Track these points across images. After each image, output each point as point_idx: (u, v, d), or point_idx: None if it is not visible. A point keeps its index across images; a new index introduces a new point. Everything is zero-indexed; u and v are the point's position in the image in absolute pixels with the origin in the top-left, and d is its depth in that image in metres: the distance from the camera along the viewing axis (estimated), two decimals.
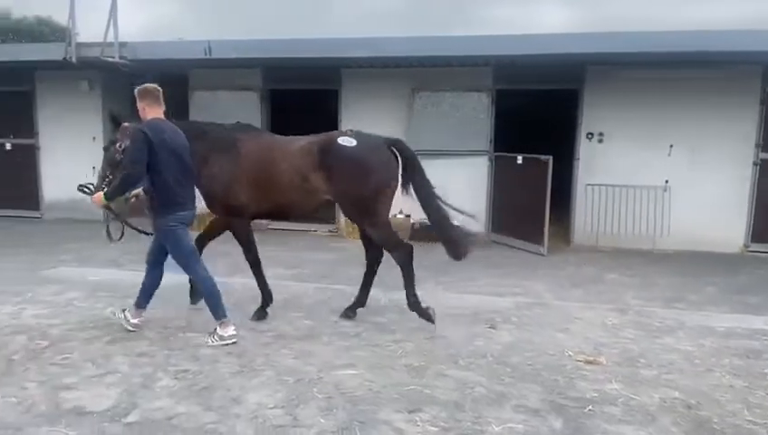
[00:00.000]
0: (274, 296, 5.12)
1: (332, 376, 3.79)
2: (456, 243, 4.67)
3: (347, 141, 4.51)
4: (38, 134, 10.61)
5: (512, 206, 8.91)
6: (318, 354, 4.18)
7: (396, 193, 4.59)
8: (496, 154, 9.31)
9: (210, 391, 3.53)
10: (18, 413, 3.17)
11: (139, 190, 4.36)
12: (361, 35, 8.81)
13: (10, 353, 4.04)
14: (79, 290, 5.78)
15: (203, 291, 4.35)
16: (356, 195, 4.49)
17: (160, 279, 4.52)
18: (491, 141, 9.32)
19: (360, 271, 7.12)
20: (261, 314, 4.92)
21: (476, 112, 9.25)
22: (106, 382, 3.61)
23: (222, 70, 9.68)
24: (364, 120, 9.64)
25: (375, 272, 5.01)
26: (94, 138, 10.37)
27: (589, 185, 8.97)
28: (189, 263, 4.28)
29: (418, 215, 9.32)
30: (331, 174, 4.46)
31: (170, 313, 5.07)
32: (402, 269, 4.63)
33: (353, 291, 6.03)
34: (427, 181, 4.69)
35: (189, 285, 5.14)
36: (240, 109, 9.75)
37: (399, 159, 4.61)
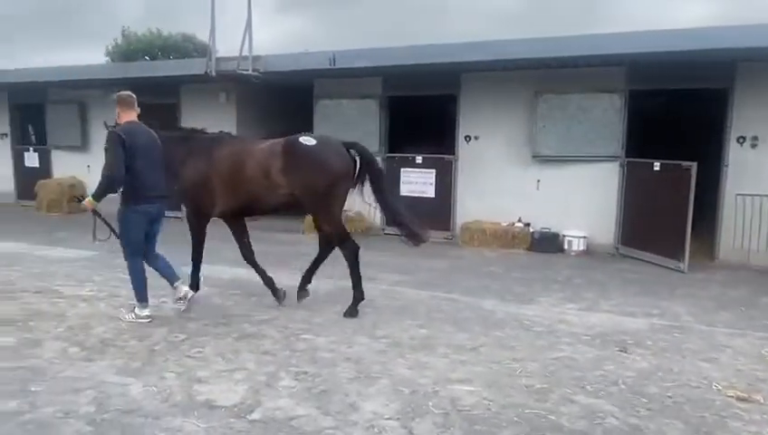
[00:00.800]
0: (390, 302, 5.15)
1: (448, 390, 3.66)
2: (413, 234, 5.10)
3: (307, 140, 4.97)
4: None
5: (646, 216, 8.17)
6: (433, 366, 4.08)
7: (349, 190, 5.03)
8: (629, 160, 8.61)
9: (328, 395, 3.57)
10: (157, 402, 3.43)
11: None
12: (481, 39, 8.60)
13: (152, 344, 4.42)
14: (213, 287, 6.21)
15: (130, 276, 4.87)
16: (311, 188, 4.88)
17: (167, 263, 5.02)
18: (623, 146, 8.64)
19: (476, 281, 6.95)
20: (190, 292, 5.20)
21: (607, 115, 8.62)
22: (234, 378, 3.80)
23: (344, 79, 9.98)
24: (483, 126, 9.42)
25: (322, 261, 5.46)
26: None
27: (739, 195, 7.97)
28: (130, 249, 4.80)
29: (539, 224, 8.97)
30: (291, 169, 4.86)
31: (292, 314, 5.26)
32: (349, 264, 5.15)
33: (469, 301, 5.89)
34: (385, 181, 5.12)
35: (271, 289, 5.55)
36: (360, 116, 9.99)
37: (357, 160, 5.03)
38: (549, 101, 8.86)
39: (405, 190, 9.92)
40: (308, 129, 10.49)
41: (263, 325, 4.91)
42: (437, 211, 9.73)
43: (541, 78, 8.92)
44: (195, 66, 10.30)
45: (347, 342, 4.56)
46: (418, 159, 9.83)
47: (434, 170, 9.72)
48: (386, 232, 10.08)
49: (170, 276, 5.03)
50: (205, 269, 6.96)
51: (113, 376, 3.79)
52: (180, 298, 5.03)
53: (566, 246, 8.80)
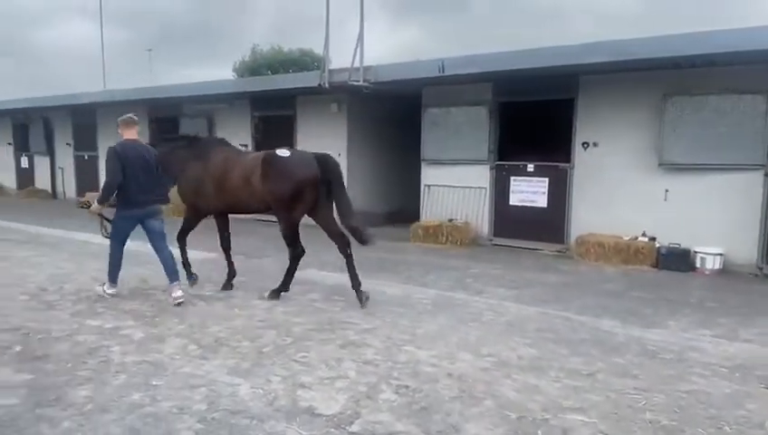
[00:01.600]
0: (496, 318, 4.93)
1: (560, 419, 3.37)
2: (362, 240, 5.74)
3: (282, 153, 5.76)
4: None
5: None
6: (544, 391, 3.79)
7: (313, 195, 5.71)
8: None
9: (429, 412, 3.44)
10: (262, 405, 3.51)
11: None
12: (600, 39, 8.03)
13: (261, 346, 4.57)
14: (320, 292, 6.35)
15: (109, 258, 5.89)
16: (278, 193, 5.66)
17: (171, 255, 5.88)
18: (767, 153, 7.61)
19: (592, 299, 6.44)
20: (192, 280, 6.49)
21: (748, 119, 7.65)
22: (336, 386, 3.79)
23: (453, 86, 9.84)
24: (603, 131, 8.80)
25: (349, 262, 5.86)
26: (339, 154, 11.52)
27: None
28: (114, 242, 5.84)
29: (666, 239, 8.15)
30: (267, 177, 5.69)
31: (395, 324, 5.20)
32: (290, 263, 5.99)
33: (585, 321, 5.46)
34: (344, 190, 5.79)
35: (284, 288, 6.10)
36: (469, 124, 9.79)
37: (324, 171, 5.69)
38: (679, 104, 8.05)
39: (514, 200, 9.53)
40: (416, 137, 10.48)
41: (366, 334, 4.89)
42: (549, 222, 9.23)
43: (669, 79, 8.14)
44: (309, 79, 10.72)
45: (450, 357, 4.40)
46: (530, 168, 9.40)
47: (546, 179, 9.25)
48: (494, 242, 9.76)
49: (170, 274, 5.83)
50: (308, 274, 7.20)
51: (225, 376, 3.95)
52: (176, 297, 5.75)
53: (698, 264, 7.92)
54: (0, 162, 20.13)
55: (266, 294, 6.03)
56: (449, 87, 9.90)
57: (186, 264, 6.53)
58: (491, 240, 9.82)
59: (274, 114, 12.50)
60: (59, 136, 17.79)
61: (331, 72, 9.95)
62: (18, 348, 4.44)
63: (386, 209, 12.64)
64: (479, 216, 9.88)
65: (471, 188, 9.95)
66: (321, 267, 7.73)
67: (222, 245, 6.52)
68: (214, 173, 6.06)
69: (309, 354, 4.38)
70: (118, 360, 4.22)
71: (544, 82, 8.99)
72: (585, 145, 8.94)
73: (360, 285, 5.82)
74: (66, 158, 17.62)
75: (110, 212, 5.88)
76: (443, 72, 8.70)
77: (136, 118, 5.92)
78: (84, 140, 16.98)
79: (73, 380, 3.85)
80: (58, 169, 17.87)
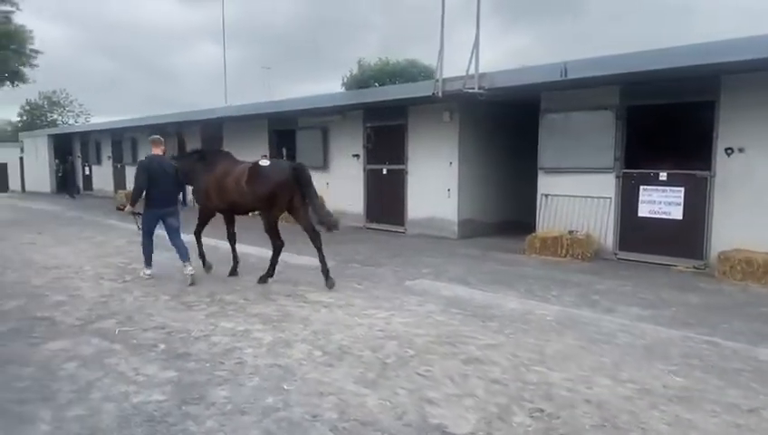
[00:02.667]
0: (632, 341, 4.53)
1: None
2: (329, 223, 6.86)
3: (264, 163, 7.16)
4: (407, 160, 12.27)
5: None
6: (700, 427, 3.38)
7: (287, 196, 6.95)
8: None
9: None
10: (391, 419, 3.46)
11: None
12: (744, 35, 7.18)
13: (384, 357, 4.54)
14: (436, 303, 6.24)
15: (142, 247, 7.54)
16: (260, 195, 6.92)
17: (183, 244, 7.33)
18: None
19: (744, 323, 5.80)
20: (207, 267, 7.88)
21: None
22: (464, 404, 3.65)
23: (575, 90, 9.34)
24: (752, 136, 7.89)
25: (320, 253, 7.03)
26: (451, 163, 11.40)
27: None
28: (144, 234, 7.42)
29: None
30: (250, 181, 6.98)
31: (519, 341, 4.96)
32: (273, 253, 7.24)
33: (737, 348, 4.86)
34: (314, 192, 6.98)
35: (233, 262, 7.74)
36: (592, 129, 9.23)
37: (297, 177, 6.91)
38: None
39: (644, 211, 8.81)
40: (530, 144, 10.08)
41: (489, 350, 4.71)
42: (685, 236, 8.41)
43: None
44: (423, 88, 10.71)
45: (586, 381, 4.08)
46: (662, 176, 8.64)
47: (682, 188, 8.44)
48: (619, 257, 9.09)
49: (182, 257, 7.29)
50: (422, 284, 7.13)
51: (352, 385, 3.97)
52: (187, 273, 7.17)
53: None
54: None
55: (258, 280, 7.27)
56: (571, 91, 9.42)
57: (201, 255, 7.87)
58: (616, 254, 9.16)
59: (386, 124, 12.66)
60: (189, 146, 19.39)
61: (444, 80, 9.87)
62: (163, 346, 4.79)
63: (498, 219, 12.29)
64: (602, 228, 9.26)
65: (593, 197, 9.36)
66: (436, 278, 7.63)
67: (228, 238, 7.86)
68: (216, 179, 7.42)
69: (432, 369, 4.28)
70: (251, 362, 4.40)
71: (679, 83, 8.24)
72: (729, 151, 8.05)
73: (328, 271, 7.01)
74: None
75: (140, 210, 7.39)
76: (565, 75, 8.27)
77: (161, 138, 7.63)
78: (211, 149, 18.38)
79: (213, 379, 4.06)
80: None
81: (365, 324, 5.42)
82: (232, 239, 7.85)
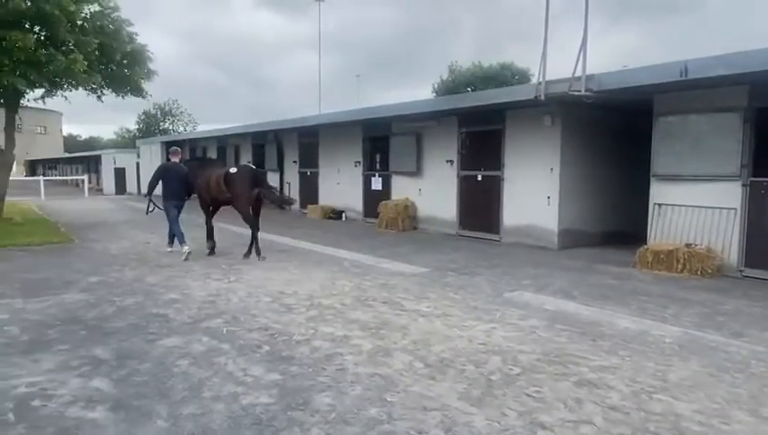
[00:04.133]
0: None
1: None
2: (282, 202, 10.22)
3: (233, 170, 9.54)
4: (504, 166, 11.89)
5: None
6: None
7: (250, 192, 9.32)
8: None
9: None
10: None
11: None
12: None
13: (488, 373, 4.33)
14: (539, 318, 5.92)
15: (173, 230, 9.96)
16: (232, 194, 9.37)
17: (180, 230, 9.76)
18: None
19: None
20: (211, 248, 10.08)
21: None
22: (582, 433, 3.37)
23: (695, 91, 8.57)
24: None
25: (256, 237, 9.54)
26: (552, 169, 10.88)
27: None
28: (171, 222, 9.88)
29: None
30: (226, 183, 9.42)
31: (639, 364, 4.54)
32: (251, 236, 9.55)
33: None
34: (269, 187, 9.87)
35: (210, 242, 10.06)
36: (714, 133, 8.42)
37: (254, 176, 9.44)
38: None
39: None
40: (639, 150, 9.38)
41: (604, 373, 4.35)
42: None
43: None
44: (524, 92, 10.33)
45: (720, 414, 3.64)
46: None
47: None
48: (745, 274, 8.20)
49: (180, 239, 9.67)
50: (524, 297, 6.79)
51: (456, 401, 3.80)
52: (184, 252, 9.40)
53: None
54: None
55: (242, 257, 9.52)
56: (689, 92, 8.65)
57: (209, 236, 10.07)
58: (741, 271, 8.27)
59: (482, 130, 12.35)
60: (287, 154, 20.15)
61: (547, 83, 9.44)
62: (267, 348, 4.89)
63: (603, 229, 11.57)
64: (725, 241, 8.40)
65: (715, 208, 8.51)
66: (538, 290, 7.26)
67: (209, 224, 10.15)
68: (207, 180, 9.81)
69: (542, 390, 4.01)
70: (352, 370, 4.36)
71: None
72: None
73: (260, 252, 9.52)
74: (292, 174, 19.84)
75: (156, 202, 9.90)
76: (686, 75, 7.59)
77: (178, 149, 10.53)
78: (307, 157, 18.94)
79: (316, 385, 4.06)
80: (286, 183, 20.19)
81: (465, 337, 5.23)
82: (211, 226, 10.18)
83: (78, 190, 33.71)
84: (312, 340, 5.11)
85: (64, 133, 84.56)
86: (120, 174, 32.19)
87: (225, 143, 24.26)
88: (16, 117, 14.15)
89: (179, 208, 10.03)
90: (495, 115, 11.85)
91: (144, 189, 12.08)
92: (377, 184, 15.71)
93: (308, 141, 18.78)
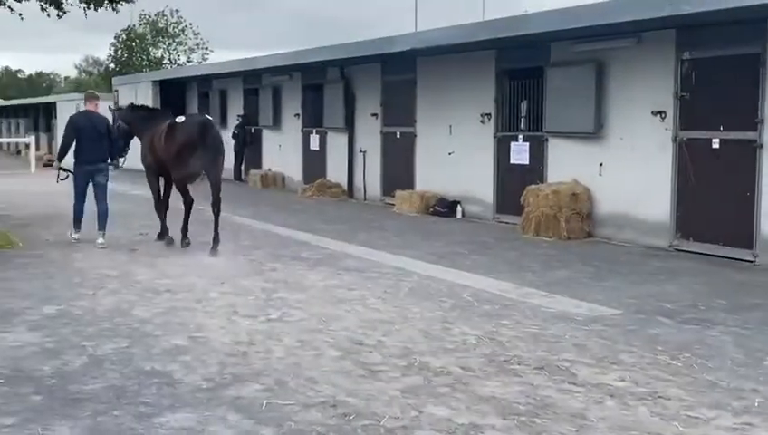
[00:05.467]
0: None
1: None
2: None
3: (179, 119, 12.37)
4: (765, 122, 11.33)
5: None
6: None
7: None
8: None
9: None
10: None
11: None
12: None
13: None
14: None
15: (73, 209, 12.58)
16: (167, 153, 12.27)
17: (107, 211, 12.31)
18: None
19: None
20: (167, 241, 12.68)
21: None
22: None
23: None
24: None
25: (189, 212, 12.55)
26: None
27: None
28: (76, 194, 12.35)
29: None
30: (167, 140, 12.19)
31: None
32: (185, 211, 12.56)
33: None
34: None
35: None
36: None
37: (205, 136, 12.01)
38: None
39: None
40: None
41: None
42: None
43: None
44: None
45: None
46: None
47: None
48: None
49: (99, 224, 12.04)
50: None
51: None
52: (98, 245, 11.95)
53: None
54: (285, 142, 24.27)
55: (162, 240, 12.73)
56: None
57: (162, 220, 12.92)
58: None
59: (727, 55, 11.72)
60: (362, 102, 20.36)
61: None
62: None
63: None
64: None
65: None
66: None
67: (158, 202, 13.08)
68: (151, 138, 12.53)
69: None
70: None
71: None
72: None
73: (186, 232, 12.27)
74: (370, 136, 20.06)
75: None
76: None
77: (95, 93, 13.85)
78: (396, 107, 19.04)
79: None
80: (358, 152, 20.42)
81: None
82: (164, 208, 12.95)
83: (20, 161, 36.17)
84: (412, 429, 5.03)
85: None
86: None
87: (258, 84, 25.01)
88: None
89: (97, 175, 12.26)
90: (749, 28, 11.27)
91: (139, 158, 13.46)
92: (520, 154, 15.60)
93: (397, 80, 18.96)
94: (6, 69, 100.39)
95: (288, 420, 5.15)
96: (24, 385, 5.77)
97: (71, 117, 12.41)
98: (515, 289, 9.40)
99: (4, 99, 65.51)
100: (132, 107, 13.83)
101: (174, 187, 12.57)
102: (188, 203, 12.43)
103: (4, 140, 46.06)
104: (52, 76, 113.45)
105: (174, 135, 11.80)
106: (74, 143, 12.19)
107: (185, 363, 6.36)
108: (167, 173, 12.50)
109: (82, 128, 12.16)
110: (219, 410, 5.31)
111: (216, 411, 5.29)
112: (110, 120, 13.15)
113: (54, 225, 14.59)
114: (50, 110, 40.19)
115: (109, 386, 5.77)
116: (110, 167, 12.64)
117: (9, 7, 14.53)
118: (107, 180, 12.34)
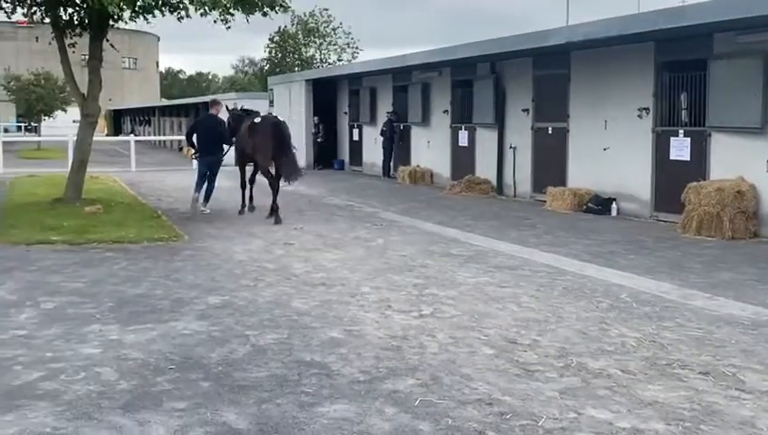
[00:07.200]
0: None
1: None
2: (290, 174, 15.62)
3: (257, 120, 15.94)
4: None
5: None
6: None
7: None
8: None
9: None
10: None
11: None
12: None
13: None
14: None
15: (196, 186, 16.56)
16: (252, 147, 16.11)
17: (213, 189, 16.64)
18: None
19: None
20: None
21: None
22: None
23: None
24: None
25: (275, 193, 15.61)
26: None
27: None
28: (198, 177, 16.57)
29: None
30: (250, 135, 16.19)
31: None
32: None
33: None
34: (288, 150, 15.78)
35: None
36: None
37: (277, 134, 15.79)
38: None
39: None
40: None
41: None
42: None
43: None
44: None
45: None
46: None
47: None
48: None
49: (205, 197, 16.22)
50: None
51: None
52: (204, 210, 16.15)
53: None
54: (434, 138, 24.49)
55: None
56: None
57: (243, 197, 16.73)
58: None
59: None
60: (513, 98, 20.29)
61: None
62: None
63: None
64: None
65: None
66: None
67: (244, 184, 16.70)
68: (240, 133, 15.97)
69: None
70: None
71: None
72: None
73: (273, 207, 15.47)
74: (521, 132, 19.98)
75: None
76: None
77: (217, 100, 18.77)
78: (549, 101, 18.89)
79: None
80: (508, 148, 20.36)
81: None
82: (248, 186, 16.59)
83: (182, 157, 37.80)
84: (572, 431, 5.05)
85: (160, 68, 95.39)
86: None
87: (408, 81, 25.26)
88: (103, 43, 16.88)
89: (211, 166, 16.16)
90: None
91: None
92: (681, 149, 15.17)
93: (549, 75, 18.79)
94: (169, 70, 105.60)
95: (445, 416, 5.26)
96: (194, 371, 6.16)
97: (197, 119, 16.69)
98: (676, 290, 9.19)
99: (168, 98, 68.82)
100: (233, 110, 17.56)
101: (259, 171, 15.86)
102: (271, 184, 15.20)
103: (171, 137, 48.60)
104: (210, 76, 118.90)
105: (254, 131, 15.19)
106: (196, 139, 16.30)
107: (342, 356, 6.60)
108: (251, 160, 15.98)
109: (206, 127, 16.38)
110: (376, 403, 5.48)
111: (373, 404, 5.47)
112: (226, 120, 16.89)
113: (216, 219, 15.45)
114: (208, 108, 41.84)
115: (271, 375, 6.09)
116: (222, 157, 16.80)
117: (180, 16, 16.47)
118: (218, 168, 16.49)
